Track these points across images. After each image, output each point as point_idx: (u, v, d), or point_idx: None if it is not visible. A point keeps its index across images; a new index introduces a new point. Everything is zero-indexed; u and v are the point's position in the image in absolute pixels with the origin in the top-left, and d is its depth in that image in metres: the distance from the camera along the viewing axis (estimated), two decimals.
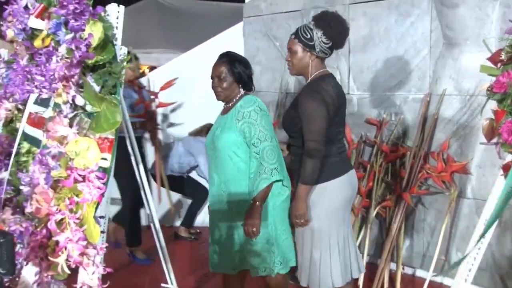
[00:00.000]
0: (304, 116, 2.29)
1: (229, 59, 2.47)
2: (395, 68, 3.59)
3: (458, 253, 3.28)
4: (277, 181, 2.35)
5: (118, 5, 1.91)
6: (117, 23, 1.90)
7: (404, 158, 3.41)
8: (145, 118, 4.07)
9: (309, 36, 2.32)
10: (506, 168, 1.54)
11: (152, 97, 4.35)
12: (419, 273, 3.55)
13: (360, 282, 3.32)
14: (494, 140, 1.70)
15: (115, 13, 1.88)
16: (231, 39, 4.67)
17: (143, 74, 4.87)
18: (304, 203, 2.32)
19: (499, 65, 1.62)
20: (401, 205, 3.25)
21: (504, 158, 1.54)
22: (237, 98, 2.49)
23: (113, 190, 4.51)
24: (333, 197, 2.39)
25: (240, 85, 2.48)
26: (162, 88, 4.40)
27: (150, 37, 7.03)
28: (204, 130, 4.47)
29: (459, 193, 3.24)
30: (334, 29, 2.33)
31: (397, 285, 3.26)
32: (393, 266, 3.42)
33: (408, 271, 3.61)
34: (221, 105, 4.12)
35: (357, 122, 3.77)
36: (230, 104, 2.50)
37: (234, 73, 2.43)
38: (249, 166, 2.36)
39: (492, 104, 1.73)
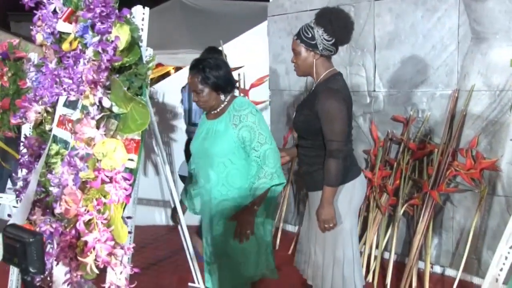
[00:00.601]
0: (326, 117, 2.24)
1: (198, 69, 2.32)
2: (421, 64, 3.54)
3: (489, 252, 3.21)
4: (275, 185, 2.30)
5: (144, 7, 1.93)
6: (143, 24, 1.91)
7: (431, 156, 3.36)
8: None
9: (310, 35, 2.27)
10: None
11: (242, 95, 4.23)
12: (449, 272, 3.49)
13: (388, 281, 3.29)
14: None
15: (140, 14, 1.90)
16: (256, 38, 4.68)
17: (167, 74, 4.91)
18: (332, 207, 2.28)
19: None
20: (429, 203, 3.21)
21: None
22: (226, 102, 2.39)
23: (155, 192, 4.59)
24: (354, 196, 2.37)
25: (220, 92, 2.36)
26: (253, 85, 4.32)
27: (176, 37, 7.08)
28: None
29: (489, 191, 3.17)
30: (335, 25, 2.26)
31: (425, 284, 3.21)
32: (421, 265, 3.37)
33: (437, 270, 3.55)
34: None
35: (383, 119, 3.73)
36: (218, 110, 2.39)
37: (207, 82, 2.31)
38: (249, 170, 2.31)
39: None
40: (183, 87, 4.21)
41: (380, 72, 3.79)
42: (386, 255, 3.57)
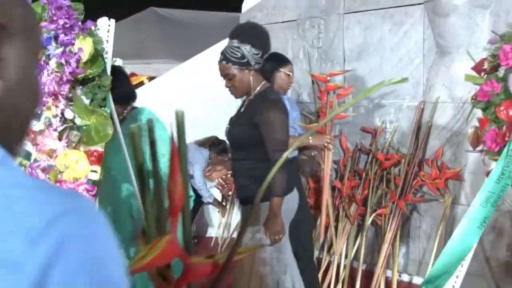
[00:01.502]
0: (269, 127, 2.23)
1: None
2: (389, 76, 3.62)
3: None
4: None
5: (109, 19, 1.94)
6: (108, 36, 1.92)
7: (399, 166, 3.43)
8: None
9: (239, 54, 2.27)
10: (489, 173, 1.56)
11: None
12: (416, 280, 3.55)
13: None
14: (480, 147, 1.71)
15: (105, 26, 1.91)
16: None
17: (141, 84, 4.91)
18: (281, 217, 2.25)
19: (482, 74, 1.64)
20: (396, 212, 3.27)
21: (488, 165, 1.56)
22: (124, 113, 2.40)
23: None
24: (294, 208, 2.39)
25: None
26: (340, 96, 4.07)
27: (150, 47, 7.10)
28: (208, 143, 4.46)
29: (454, 200, 3.25)
30: (261, 37, 2.30)
31: None
32: (389, 273, 3.42)
33: (405, 278, 3.61)
34: (218, 114, 4.18)
35: (353, 130, 3.79)
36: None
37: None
38: None
39: (479, 112, 1.76)
40: None
41: (349, 83, 3.85)
42: (355, 264, 3.61)
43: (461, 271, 1.64)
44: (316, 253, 3.83)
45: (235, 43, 2.29)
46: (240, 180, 2.43)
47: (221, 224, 4.58)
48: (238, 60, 2.28)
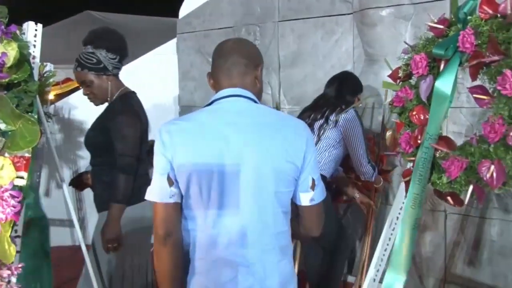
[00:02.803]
0: (118, 131, 2.18)
1: None
2: (322, 82, 3.72)
3: None
4: None
5: (37, 23, 1.91)
6: (35, 41, 1.89)
7: None
8: None
9: (95, 60, 2.22)
10: (405, 175, 1.68)
11: None
12: (350, 278, 3.68)
13: None
14: (397, 149, 1.82)
15: (32, 31, 1.88)
16: (165, 55, 4.71)
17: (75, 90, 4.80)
18: (118, 225, 2.15)
19: (398, 81, 1.76)
20: None
21: (404, 166, 1.67)
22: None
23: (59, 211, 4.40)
24: (140, 220, 2.25)
25: None
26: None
27: None
28: (147, 148, 4.42)
29: (383, 200, 3.41)
30: (115, 41, 2.28)
31: None
32: None
33: None
34: (157, 118, 4.11)
35: None
36: None
37: None
38: None
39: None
40: None
41: (284, 89, 3.96)
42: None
43: (381, 264, 1.75)
44: None
45: (90, 49, 2.24)
46: (95, 186, 2.35)
47: None
48: (94, 66, 2.23)
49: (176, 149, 1.36)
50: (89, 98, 2.32)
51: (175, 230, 1.38)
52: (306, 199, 1.40)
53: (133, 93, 2.36)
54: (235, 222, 1.34)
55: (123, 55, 2.33)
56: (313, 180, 1.39)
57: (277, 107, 3.88)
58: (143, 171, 2.29)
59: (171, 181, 1.36)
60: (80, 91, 5.04)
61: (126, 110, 2.22)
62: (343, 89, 2.91)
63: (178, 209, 1.39)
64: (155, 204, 1.38)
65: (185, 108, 4.69)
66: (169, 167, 1.36)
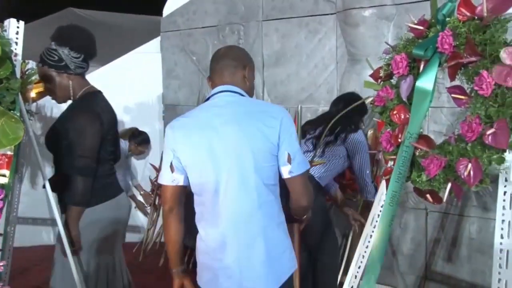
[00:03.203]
0: (75, 131, 2.13)
1: None
2: (305, 81, 3.78)
3: None
4: None
5: (18, 20, 1.89)
6: (17, 38, 1.88)
7: None
8: None
9: (56, 57, 2.18)
10: (386, 173, 1.70)
11: None
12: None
13: None
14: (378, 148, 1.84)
15: (14, 28, 1.86)
16: (149, 53, 4.70)
17: None
18: (77, 227, 2.15)
19: (379, 81, 1.79)
20: None
21: (385, 164, 1.70)
22: None
23: (42, 210, 4.36)
24: (102, 221, 2.24)
25: None
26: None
27: None
28: (128, 134, 4.41)
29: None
30: (79, 40, 2.22)
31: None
32: None
33: None
34: (141, 117, 4.13)
35: None
36: None
37: None
38: None
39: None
40: None
41: (268, 88, 3.98)
42: None
43: (362, 261, 1.77)
44: None
45: (53, 45, 2.20)
46: (57, 187, 2.28)
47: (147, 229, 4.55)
48: (55, 64, 2.19)
49: (177, 142, 1.65)
50: (49, 95, 2.28)
51: (176, 207, 1.70)
52: (285, 171, 1.64)
53: (98, 92, 2.29)
54: (226, 196, 1.61)
55: (89, 54, 2.25)
56: (288, 154, 1.62)
57: None
58: (105, 171, 2.24)
59: (173, 169, 1.66)
60: None
61: (85, 111, 2.16)
62: (351, 110, 2.92)
63: (180, 191, 1.69)
64: (162, 185, 1.70)
65: (169, 107, 4.68)
66: (172, 157, 1.65)
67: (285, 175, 1.65)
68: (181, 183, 1.67)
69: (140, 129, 4.69)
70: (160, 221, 4.58)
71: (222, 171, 1.61)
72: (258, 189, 1.62)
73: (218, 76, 1.74)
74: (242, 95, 1.71)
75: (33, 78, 3.05)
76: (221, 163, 1.61)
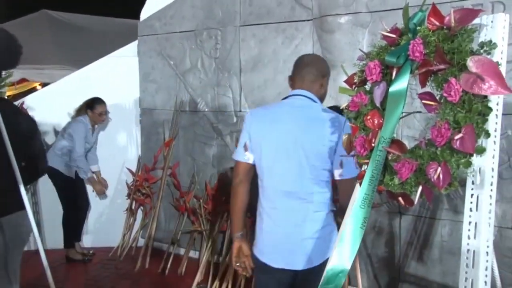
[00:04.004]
0: None
1: None
2: (282, 87, 3.82)
3: None
4: None
5: None
6: None
7: None
8: None
9: None
10: (360, 176, 1.74)
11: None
12: None
13: None
14: (352, 152, 1.89)
15: None
16: (126, 57, 4.68)
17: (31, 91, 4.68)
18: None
19: (353, 87, 1.83)
20: None
21: (359, 168, 1.74)
22: None
23: None
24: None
25: None
26: None
27: (43, 52, 6.75)
28: (83, 108, 4.36)
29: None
30: None
31: None
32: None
33: None
34: (118, 120, 4.13)
35: None
36: None
37: None
38: None
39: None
40: None
41: (245, 93, 4.01)
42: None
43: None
44: (215, 258, 3.92)
45: None
46: None
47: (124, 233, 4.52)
48: None
49: (252, 127, 2.00)
50: None
51: (245, 180, 2.03)
52: (337, 174, 1.92)
53: (4, 100, 2.21)
54: (283, 183, 1.93)
55: (3, 64, 2.20)
56: (341, 160, 1.88)
57: None
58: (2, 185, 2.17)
59: (246, 148, 2.00)
60: (36, 92, 4.95)
61: None
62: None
63: (249, 168, 2.01)
64: (236, 161, 2.04)
65: (146, 111, 4.67)
66: (247, 138, 2.00)
67: (336, 176, 1.93)
68: (251, 161, 2.00)
69: (117, 133, 4.66)
70: (136, 226, 4.56)
71: (283, 159, 1.92)
72: (309, 182, 1.91)
73: (299, 80, 2.05)
74: (315, 102, 2.02)
75: (6, 81, 3.03)
76: (281, 153, 1.92)
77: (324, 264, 1.83)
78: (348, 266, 1.73)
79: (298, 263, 1.94)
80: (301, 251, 1.93)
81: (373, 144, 1.67)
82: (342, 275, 1.74)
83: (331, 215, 1.99)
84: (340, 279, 1.78)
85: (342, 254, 1.77)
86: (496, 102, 1.35)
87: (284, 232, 1.95)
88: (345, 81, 1.89)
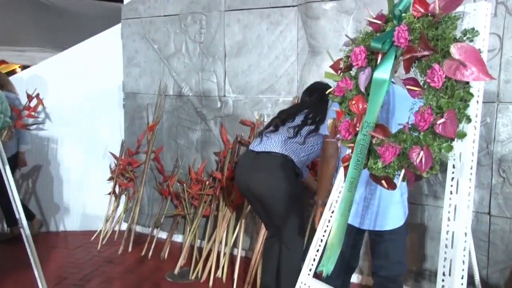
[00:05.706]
0: None
1: None
2: (266, 72, 3.84)
3: None
4: None
5: None
6: None
7: None
8: None
9: None
10: (344, 160, 1.78)
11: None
12: None
13: (236, 276, 3.50)
14: (337, 136, 1.93)
15: None
16: (110, 40, 4.63)
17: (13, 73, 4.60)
18: None
19: (339, 72, 1.86)
20: None
21: (344, 152, 1.77)
22: None
23: None
24: None
25: None
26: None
27: (23, 34, 6.63)
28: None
29: None
30: None
31: None
32: None
33: None
34: (101, 104, 4.09)
35: (233, 123, 3.96)
36: None
37: None
38: None
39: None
40: None
41: (229, 78, 4.02)
42: (235, 251, 3.79)
43: (317, 254, 1.85)
44: (198, 242, 3.95)
45: None
46: None
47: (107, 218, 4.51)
48: None
49: None
50: None
51: (335, 155, 2.31)
52: None
53: None
54: None
55: None
56: None
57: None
58: None
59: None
60: (16, 75, 4.87)
61: None
62: (325, 99, 2.92)
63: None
64: (325, 137, 2.31)
65: (130, 95, 4.64)
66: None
67: None
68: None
69: (100, 117, 4.63)
70: (119, 210, 4.55)
71: None
72: None
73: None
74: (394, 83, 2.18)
75: None
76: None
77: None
78: (338, 249, 1.75)
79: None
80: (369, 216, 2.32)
81: (357, 129, 1.70)
82: (333, 259, 1.77)
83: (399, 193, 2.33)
84: (332, 264, 1.80)
85: (333, 238, 1.80)
86: (477, 88, 1.39)
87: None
88: (331, 66, 1.92)
